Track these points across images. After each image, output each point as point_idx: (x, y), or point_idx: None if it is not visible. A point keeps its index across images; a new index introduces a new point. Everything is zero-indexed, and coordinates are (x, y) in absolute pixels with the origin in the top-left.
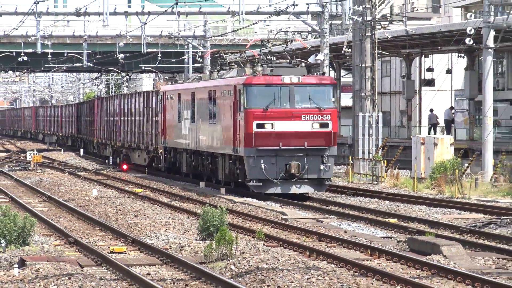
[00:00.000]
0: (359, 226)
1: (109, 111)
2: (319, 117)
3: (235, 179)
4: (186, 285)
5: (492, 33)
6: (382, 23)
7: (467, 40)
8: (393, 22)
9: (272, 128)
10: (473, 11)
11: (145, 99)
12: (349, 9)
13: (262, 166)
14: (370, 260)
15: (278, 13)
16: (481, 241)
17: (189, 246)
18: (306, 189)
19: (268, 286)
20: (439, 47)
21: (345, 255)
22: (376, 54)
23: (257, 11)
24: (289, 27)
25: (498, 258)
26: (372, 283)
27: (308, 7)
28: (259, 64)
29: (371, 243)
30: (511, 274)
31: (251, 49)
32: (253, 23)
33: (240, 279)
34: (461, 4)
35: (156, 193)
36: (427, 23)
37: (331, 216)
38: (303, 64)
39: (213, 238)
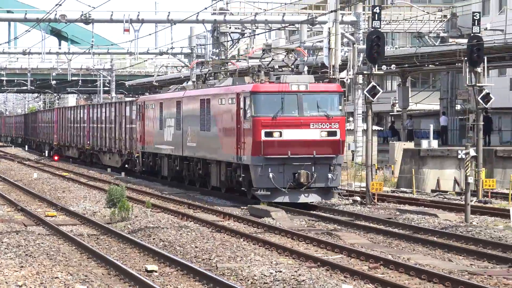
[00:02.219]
0: (216, 198)
1: (74, 119)
2: (327, 125)
3: (232, 185)
4: (97, 238)
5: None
6: (232, 60)
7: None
8: (240, 60)
9: (281, 136)
10: None
11: (117, 108)
12: (210, 51)
13: (270, 175)
14: (223, 221)
15: (161, 53)
16: (297, 209)
17: (99, 212)
18: (314, 198)
19: (154, 239)
20: None
21: (206, 218)
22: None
23: (147, 52)
24: (169, 63)
25: (309, 220)
26: (224, 237)
27: (181, 50)
28: (261, 72)
29: (223, 210)
30: (316, 230)
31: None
32: (144, 60)
33: (134, 234)
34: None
35: (77, 176)
36: (264, 61)
37: (196, 192)
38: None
39: (116, 206)
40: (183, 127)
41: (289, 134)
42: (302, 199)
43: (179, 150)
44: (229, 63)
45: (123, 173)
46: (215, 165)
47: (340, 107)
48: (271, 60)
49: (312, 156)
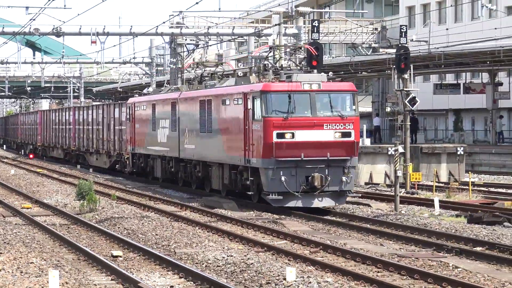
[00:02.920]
0: (174, 190)
1: (59, 121)
2: (341, 126)
3: (236, 189)
4: (68, 227)
5: None
6: (188, 69)
7: None
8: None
9: (293, 138)
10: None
11: (105, 110)
12: (168, 60)
13: (282, 178)
14: (181, 212)
15: (125, 62)
16: (247, 200)
17: (70, 204)
18: (328, 202)
19: (118, 227)
20: None
21: (165, 209)
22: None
23: (112, 61)
24: (131, 72)
25: (256, 211)
26: (181, 225)
27: (143, 59)
28: (270, 71)
29: (181, 201)
30: (263, 219)
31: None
32: (109, 69)
33: (101, 223)
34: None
35: (51, 172)
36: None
37: (156, 185)
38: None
39: (84, 199)
40: (179, 128)
41: (302, 136)
42: (316, 203)
43: (175, 152)
44: (224, 63)
45: (91, 169)
46: (218, 168)
47: (354, 107)
48: (280, 58)
49: (325, 158)
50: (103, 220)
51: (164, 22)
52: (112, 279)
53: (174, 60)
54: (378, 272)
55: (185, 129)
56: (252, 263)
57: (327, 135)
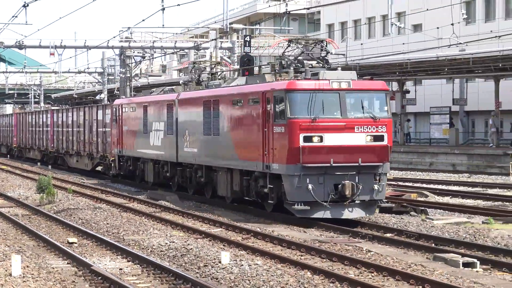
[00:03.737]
0: (123, 185)
1: (36, 123)
2: (373, 128)
3: (248, 196)
4: (30, 217)
5: None
6: (135, 78)
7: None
8: (138, 78)
9: (321, 141)
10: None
11: (86, 112)
12: (118, 70)
13: (309, 186)
14: (129, 203)
15: (80, 72)
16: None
17: (31, 197)
18: (358, 213)
19: (74, 217)
20: None
21: (115, 200)
22: (133, 94)
23: (68, 71)
24: (86, 80)
25: (196, 202)
26: (129, 215)
27: (96, 69)
28: (291, 68)
29: (129, 194)
30: (203, 209)
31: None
32: (66, 78)
33: (58, 214)
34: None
35: (13, 169)
36: (159, 79)
37: (108, 180)
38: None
39: (44, 192)
40: (177, 131)
41: (331, 139)
42: (346, 214)
43: (172, 156)
44: (222, 62)
45: (49, 166)
46: (226, 173)
47: (387, 108)
48: (301, 53)
49: (356, 164)
50: (60, 211)
51: (114, 37)
52: (68, 263)
53: (124, 70)
54: (302, 255)
55: (184, 131)
56: (191, 248)
57: (358, 138)
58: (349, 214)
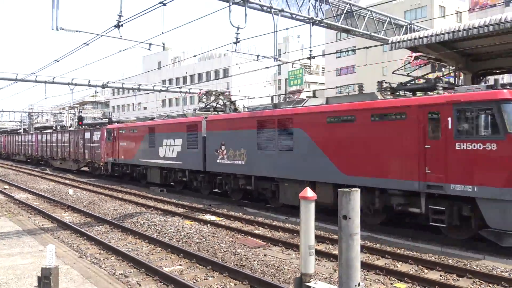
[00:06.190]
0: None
1: (21, 140)
2: None
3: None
4: None
5: None
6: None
7: None
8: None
9: None
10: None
11: (70, 134)
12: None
13: None
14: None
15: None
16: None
17: None
18: None
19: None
20: None
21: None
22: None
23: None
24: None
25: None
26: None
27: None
28: (439, 83)
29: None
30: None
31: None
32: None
33: None
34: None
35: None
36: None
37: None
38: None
39: None
40: (205, 146)
41: None
42: None
43: (196, 165)
44: (226, 92)
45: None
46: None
47: None
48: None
49: None
50: None
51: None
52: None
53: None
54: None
55: (219, 146)
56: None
57: None
58: None
